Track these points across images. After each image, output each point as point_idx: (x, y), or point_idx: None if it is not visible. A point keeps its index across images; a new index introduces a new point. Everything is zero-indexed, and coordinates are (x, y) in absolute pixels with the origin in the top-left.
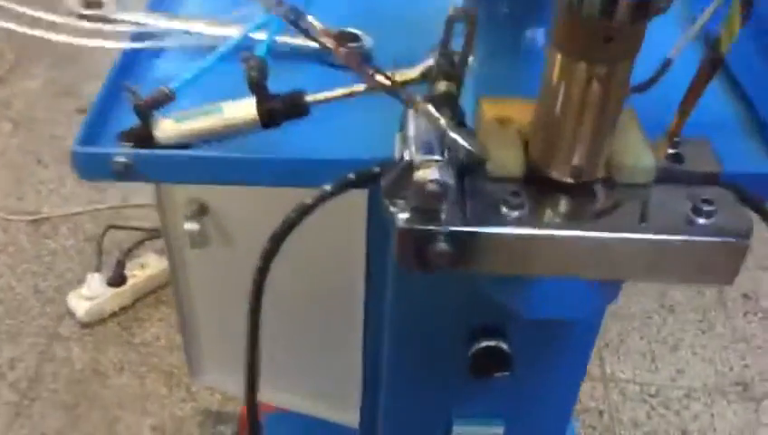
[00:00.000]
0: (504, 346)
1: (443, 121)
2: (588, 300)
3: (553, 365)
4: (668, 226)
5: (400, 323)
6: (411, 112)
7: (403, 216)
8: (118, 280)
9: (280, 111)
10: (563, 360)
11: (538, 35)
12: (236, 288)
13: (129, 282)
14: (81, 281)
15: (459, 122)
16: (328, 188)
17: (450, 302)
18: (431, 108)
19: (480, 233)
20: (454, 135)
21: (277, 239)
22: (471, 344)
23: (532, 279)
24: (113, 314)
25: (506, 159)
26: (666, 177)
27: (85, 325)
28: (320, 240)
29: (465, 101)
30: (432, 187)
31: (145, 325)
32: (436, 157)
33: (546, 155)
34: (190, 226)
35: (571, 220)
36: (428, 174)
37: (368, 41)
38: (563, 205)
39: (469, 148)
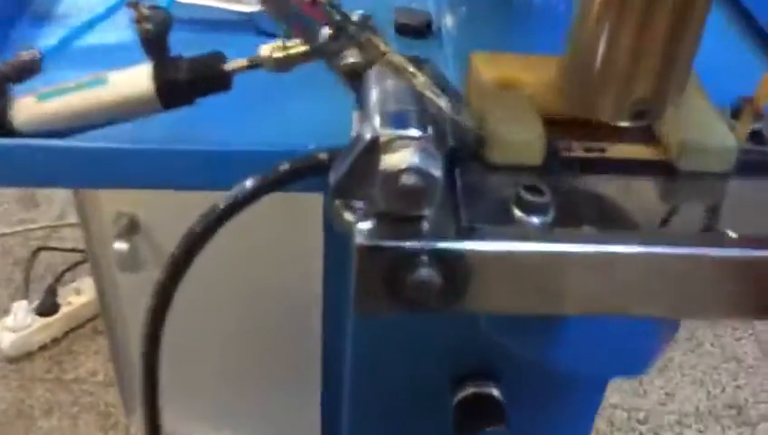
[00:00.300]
0: (496, 393)
1: (422, 80)
2: (642, 348)
3: (556, 417)
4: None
5: (363, 363)
6: (375, 72)
7: (364, 226)
8: (48, 309)
9: (187, 82)
10: (569, 410)
11: None
12: (176, 316)
13: (62, 310)
14: (6, 310)
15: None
16: (248, 185)
17: (428, 337)
18: (405, 61)
19: (484, 252)
20: (439, 101)
21: (174, 270)
22: (455, 392)
23: (562, 320)
24: (42, 348)
25: (519, 138)
26: (749, 163)
27: (10, 360)
28: (269, 254)
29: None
30: (408, 178)
31: (79, 359)
32: (413, 132)
33: (591, 89)
34: (119, 245)
35: (621, 226)
36: (402, 158)
37: None
38: (606, 205)
39: (462, 122)
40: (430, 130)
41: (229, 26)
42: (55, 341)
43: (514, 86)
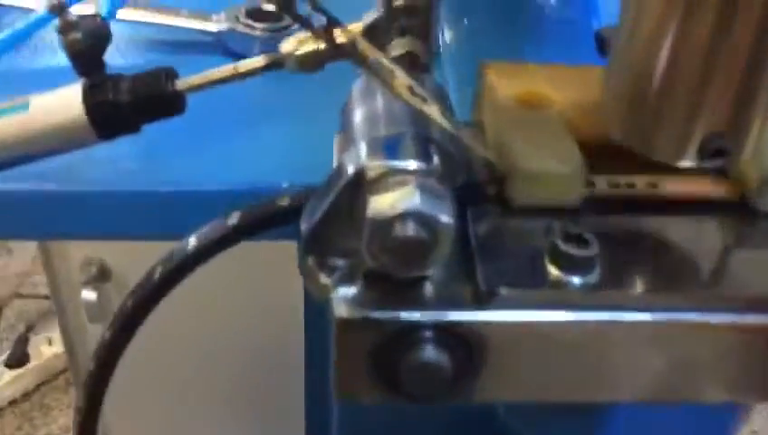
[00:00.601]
0: None
1: (424, 95)
2: None
3: None
4: None
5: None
6: (361, 84)
7: (345, 292)
8: (18, 360)
9: (127, 104)
10: None
11: None
12: (150, 371)
13: (33, 362)
14: None
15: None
16: (190, 247)
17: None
18: (400, 70)
19: (509, 325)
20: (447, 122)
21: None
22: None
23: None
24: (12, 402)
25: (552, 170)
26: None
27: None
28: (248, 304)
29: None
30: (406, 228)
31: (52, 414)
32: (412, 163)
33: (645, 117)
34: (88, 294)
35: (687, 286)
36: (397, 200)
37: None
38: (668, 257)
39: (477, 150)
40: (436, 160)
41: (194, 47)
42: (26, 395)
43: (540, 104)
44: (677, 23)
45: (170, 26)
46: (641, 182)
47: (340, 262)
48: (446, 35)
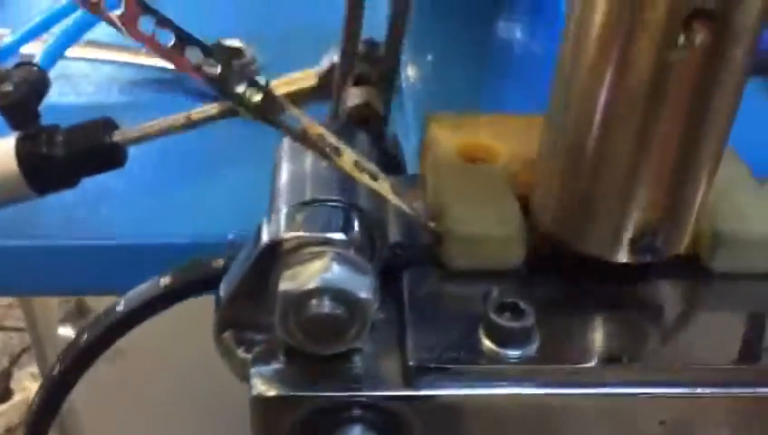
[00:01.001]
0: None
1: (350, 157)
2: None
3: None
4: None
5: None
6: (286, 146)
7: (264, 370)
8: (1, 395)
9: (63, 158)
10: None
11: (510, 31)
12: (130, 408)
13: (17, 396)
14: None
15: (391, 162)
16: (119, 310)
17: None
18: (324, 130)
19: (440, 403)
20: (375, 183)
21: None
22: None
23: None
24: None
25: (490, 232)
26: None
27: None
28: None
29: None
30: (320, 305)
31: None
32: (333, 235)
33: (575, 212)
34: (65, 331)
35: (636, 357)
36: (312, 274)
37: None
38: (613, 325)
39: (411, 211)
40: (357, 230)
41: (154, 85)
42: (9, 430)
43: (485, 158)
44: (603, 119)
45: (130, 64)
46: None
47: (258, 337)
48: (410, 72)
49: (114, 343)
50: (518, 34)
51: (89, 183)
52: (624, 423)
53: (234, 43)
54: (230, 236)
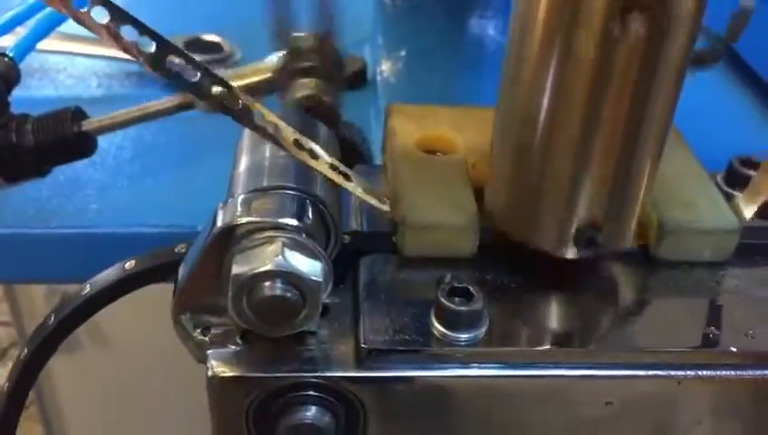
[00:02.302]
0: None
1: (305, 144)
2: None
3: None
4: None
5: None
6: (245, 137)
7: (221, 352)
8: None
9: (32, 147)
10: None
11: (483, 28)
12: (113, 400)
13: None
14: None
15: (354, 152)
16: (85, 293)
17: None
18: (280, 121)
19: (389, 384)
20: (330, 173)
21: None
22: None
23: None
24: None
25: (444, 220)
26: (754, 248)
27: None
28: None
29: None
30: (271, 288)
31: None
32: (285, 220)
33: (523, 207)
34: None
35: (582, 340)
36: (264, 258)
37: (232, 50)
38: (561, 310)
39: (365, 199)
40: (311, 216)
41: (132, 79)
42: None
43: (444, 149)
44: (544, 121)
45: (108, 57)
46: None
47: (215, 320)
48: (384, 67)
49: (80, 324)
50: (491, 31)
51: (64, 174)
52: (571, 405)
53: (213, 38)
54: (200, 227)
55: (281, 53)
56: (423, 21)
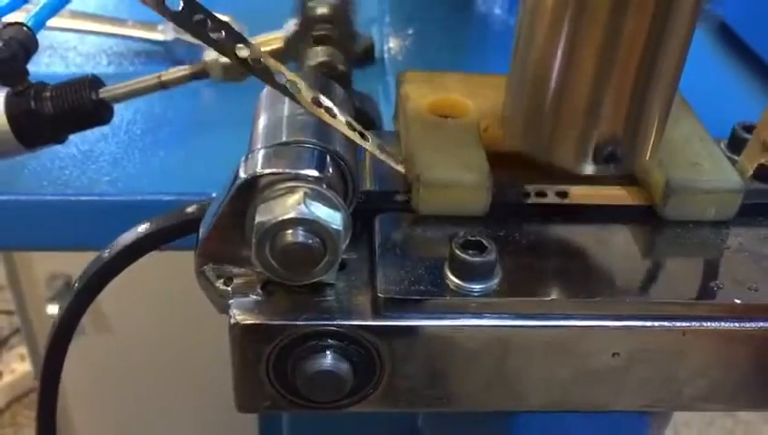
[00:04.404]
0: None
1: (323, 102)
2: None
3: None
4: None
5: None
6: (267, 92)
7: (243, 301)
8: None
9: (51, 114)
10: None
11: (489, 7)
12: (117, 386)
13: (5, 379)
14: None
15: (365, 119)
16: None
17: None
18: (298, 78)
19: (405, 333)
20: (352, 133)
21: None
22: None
23: (514, 417)
24: None
25: (457, 180)
26: (756, 208)
27: None
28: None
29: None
30: (294, 235)
31: (23, 432)
32: (307, 171)
33: (543, 123)
34: (54, 309)
35: (591, 293)
36: (286, 207)
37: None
38: (570, 264)
39: (385, 159)
40: (331, 169)
41: (141, 57)
42: None
43: (455, 113)
44: (567, 31)
45: (117, 36)
46: (551, 191)
47: (237, 270)
48: (391, 45)
49: (102, 288)
50: (496, 10)
51: (77, 147)
52: (579, 355)
53: (223, 17)
54: (214, 194)
55: (296, 21)
56: (429, 1)
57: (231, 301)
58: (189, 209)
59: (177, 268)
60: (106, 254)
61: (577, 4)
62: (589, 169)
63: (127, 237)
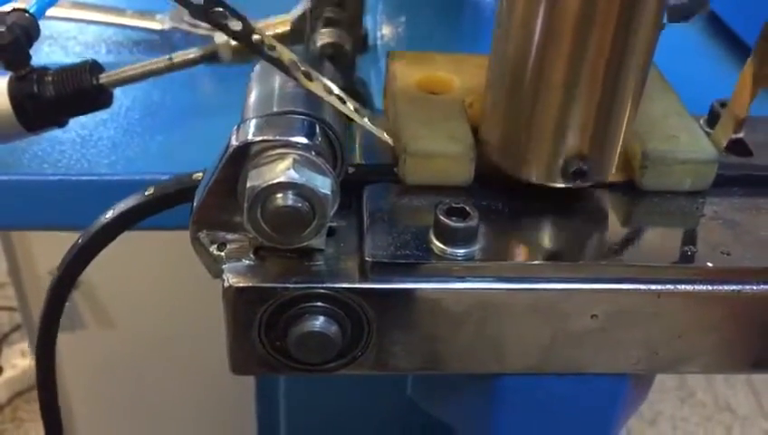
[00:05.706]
0: None
1: (318, 80)
2: (601, 415)
3: None
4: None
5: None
6: (260, 68)
7: (236, 265)
8: None
9: (52, 97)
10: None
11: None
12: (118, 380)
13: (6, 374)
14: None
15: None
16: (109, 216)
17: (371, 402)
18: (297, 57)
19: (391, 295)
20: (340, 104)
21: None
22: None
23: (498, 380)
24: None
25: (442, 150)
26: (729, 179)
27: None
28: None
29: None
30: (284, 198)
31: (24, 427)
32: (296, 139)
33: (515, 142)
34: None
35: (570, 258)
36: (277, 172)
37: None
38: (550, 231)
39: (373, 129)
40: (319, 138)
41: (139, 46)
42: None
43: (441, 90)
44: (538, 48)
45: (117, 25)
46: None
47: (230, 236)
48: (384, 31)
49: (104, 247)
50: None
51: (77, 132)
52: (559, 317)
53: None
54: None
55: (304, 4)
56: None
57: (224, 265)
58: (197, 175)
59: (178, 264)
60: (109, 214)
61: (542, 32)
62: (557, 182)
63: (135, 198)
